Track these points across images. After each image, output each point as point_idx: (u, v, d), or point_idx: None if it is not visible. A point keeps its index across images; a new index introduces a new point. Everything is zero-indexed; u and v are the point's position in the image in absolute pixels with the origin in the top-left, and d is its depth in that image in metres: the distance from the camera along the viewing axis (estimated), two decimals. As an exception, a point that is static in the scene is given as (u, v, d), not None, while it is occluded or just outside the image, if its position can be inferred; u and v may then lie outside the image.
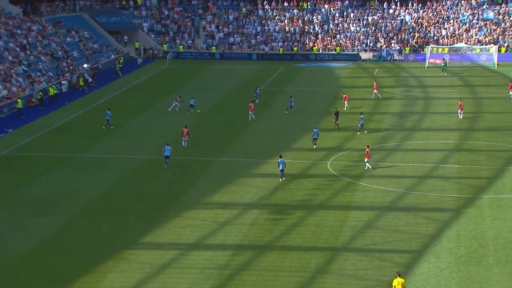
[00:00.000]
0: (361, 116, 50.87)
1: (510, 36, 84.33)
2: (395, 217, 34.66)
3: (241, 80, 73.93)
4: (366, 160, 42.09)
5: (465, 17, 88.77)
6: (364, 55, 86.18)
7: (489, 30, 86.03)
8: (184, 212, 35.73)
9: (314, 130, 47.24)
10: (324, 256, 30.61)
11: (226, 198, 37.92)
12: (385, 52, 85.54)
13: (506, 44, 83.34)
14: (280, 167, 40.19)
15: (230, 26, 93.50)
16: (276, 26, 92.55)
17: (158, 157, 45.15)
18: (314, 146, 46.81)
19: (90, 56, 78.84)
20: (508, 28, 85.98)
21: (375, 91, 62.31)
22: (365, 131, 50.55)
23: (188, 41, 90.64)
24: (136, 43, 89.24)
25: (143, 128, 53.20)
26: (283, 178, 40.19)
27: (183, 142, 47.09)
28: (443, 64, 75.56)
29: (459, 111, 54.54)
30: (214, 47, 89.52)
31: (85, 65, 73.91)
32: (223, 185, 39.79)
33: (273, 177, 41.04)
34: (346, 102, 58.22)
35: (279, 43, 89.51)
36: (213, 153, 46.20)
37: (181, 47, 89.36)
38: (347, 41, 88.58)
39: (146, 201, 37.42)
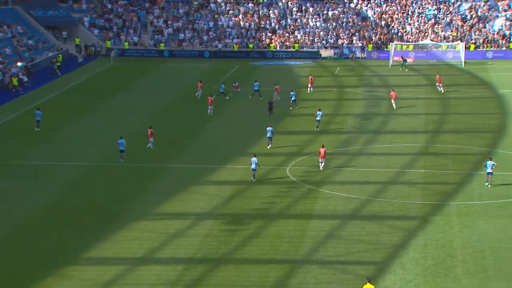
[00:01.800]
0: (319, 112, 52.06)
1: (477, 33, 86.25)
2: (359, 226, 35.03)
3: (193, 79, 73.82)
4: (323, 161, 42.75)
5: (431, 12, 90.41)
6: (324, 53, 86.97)
7: (456, 26, 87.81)
8: (131, 223, 35.45)
9: (268, 128, 47.71)
10: (284, 269, 30.73)
11: (178, 207, 37.77)
12: (346, 50, 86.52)
13: (473, 41, 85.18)
14: (252, 166, 40.75)
15: (180, 21, 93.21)
16: (230, 21, 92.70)
17: (103, 164, 44.68)
18: (269, 146, 47.39)
19: (25, 54, 77.49)
20: (475, 24, 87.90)
21: (309, 85, 64.66)
22: (316, 128, 51.61)
23: (134, 37, 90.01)
24: (76, 39, 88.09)
25: (86, 132, 52.63)
26: (253, 179, 40.95)
27: (149, 144, 47.14)
28: (402, 62, 76.98)
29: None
30: (163, 44, 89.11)
31: (19, 64, 72.49)
32: (174, 194, 39.62)
33: (228, 185, 41.04)
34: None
35: (234, 40, 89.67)
36: (163, 159, 45.97)
37: (126, 43, 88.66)
38: (306, 38, 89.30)
39: (90, 212, 37.00)
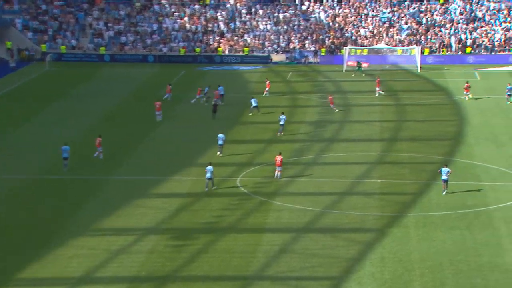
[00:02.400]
0: (282, 116, 52.85)
1: (433, 36, 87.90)
2: (313, 239, 35.18)
3: (136, 85, 73.25)
4: (279, 169, 42.99)
5: (385, 15, 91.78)
6: (275, 57, 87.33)
7: (411, 29, 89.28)
8: (70, 240, 34.88)
9: (219, 135, 47.92)
10: (235, 286, 30.63)
11: (121, 222, 37.33)
12: (299, 54, 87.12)
13: (428, 45, 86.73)
14: (207, 175, 40.81)
15: (121, 23, 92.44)
16: (175, 24, 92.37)
17: (41, 177, 43.92)
18: (220, 153, 47.57)
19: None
20: (431, 28, 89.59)
21: (267, 88, 66.08)
22: (279, 134, 52.42)
23: (72, 41, 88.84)
24: (7, 42, 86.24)
25: (19, 143, 51.68)
26: (207, 189, 41.19)
27: (97, 153, 46.73)
28: (357, 67, 77.88)
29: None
30: (103, 48, 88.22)
31: None
32: (117, 208, 39.17)
33: (175, 197, 40.79)
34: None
35: (179, 43, 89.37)
36: (106, 169, 45.45)
37: (63, 47, 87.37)
38: (256, 41, 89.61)
39: (24, 229, 36.27)
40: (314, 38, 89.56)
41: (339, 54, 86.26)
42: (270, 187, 42.44)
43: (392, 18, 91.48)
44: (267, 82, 66.91)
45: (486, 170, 45.10)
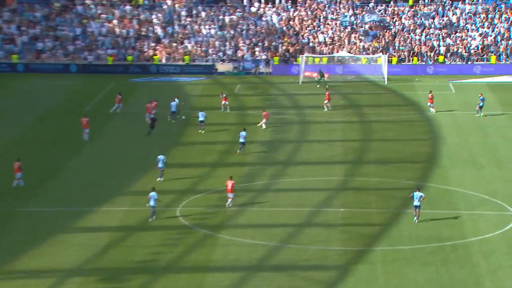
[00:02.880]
0: (243, 133, 54.19)
1: (402, 43, 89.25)
2: (266, 279, 35.14)
3: (56, 100, 72.56)
4: (231, 196, 43.24)
5: (346, 19, 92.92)
6: (221, 67, 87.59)
7: (376, 35, 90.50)
8: (-23, 284, 34.20)
9: (159, 157, 48.41)
10: (175, 336, 30.36)
11: (38, 262, 36.76)
12: (248, 63, 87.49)
13: (397, 54, 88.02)
14: (151, 203, 41.24)
15: (37, 26, 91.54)
16: (103, 28, 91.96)
17: None
18: (161, 178, 48.01)
19: None
20: (399, 33, 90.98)
21: (223, 102, 67.28)
22: (239, 152, 53.54)
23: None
24: None
25: None
26: (151, 218, 41.48)
27: (16, 181, 46.43)
28: (319, 77, 78.52)
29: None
30: (16, 56, 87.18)
31: None
32: (34, 245, 38.58)
33: (104, 232, 40.40)
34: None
35: (108, 51, 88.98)
36: (19, 199, 44.79)
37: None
38: (199, 48, 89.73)
39: None
40: (265, 44, 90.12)
41: (294, 63, 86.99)
42: (215, 218, 42.32)
43: (355, 22, 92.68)
44: (223, 95, 67.96)
45: (464, 197, 45.75)
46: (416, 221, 41.29)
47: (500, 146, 56.74)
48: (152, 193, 41.65)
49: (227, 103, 67.52)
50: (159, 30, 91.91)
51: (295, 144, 58.05)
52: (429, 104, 67.13)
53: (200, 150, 56.07)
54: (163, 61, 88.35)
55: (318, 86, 77.38)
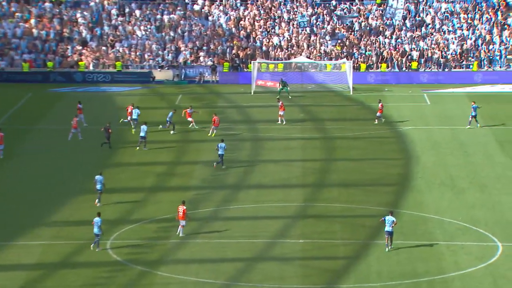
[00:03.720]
0: (221, 144, 55.75)
1: (369, 46, 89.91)
2: (214, 323, 34.98)
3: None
4: (183, 223, 43.45)
5: (305, 19, 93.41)
6: (159, 75, 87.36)
7: (340, 37, 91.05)
8: None
9: (97, 177, 48.64)
10: None
11: None
12: (191, 70, 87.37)
13: (362, 59, 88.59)
14: (95, 231, 41.43)
15: None
16: (17, 29, 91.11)
17: None
18: (98, 202, 48.22)
19: None
20: (365, 35, 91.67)
21: (189, 119, 66.98)
22: (215, 165, 55.05)
23: None
24: None
25: None
26: (98, 249, 41.70)
27: None
28: (280, 87, 78.62)
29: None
30: None
31: None
32: None
33: (19, 270, 39.88)
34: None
35: (24, 56, 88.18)
36: None
37: None
38: (133, 53, 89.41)
39: None
40: (211, 48, 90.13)
41: (245, 70, 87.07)
42: (153, 253, 42.07)
43: (315, 23, 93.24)
44: (189, 111, 67.15)
45: (442, 225, 46.09)
46: (387, 249, 41.53)
47: (483, 167, 57.36)
48: (97, 219, 41.60)
49: (190, 120, 67.24)
50: (85, 32, 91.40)
51: (247, 164, 58.07)
52: (378, 114, 67.91)
53: (136, 172, 55.75)
54: (90, 67, 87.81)
55: (277, 97, 77.49)
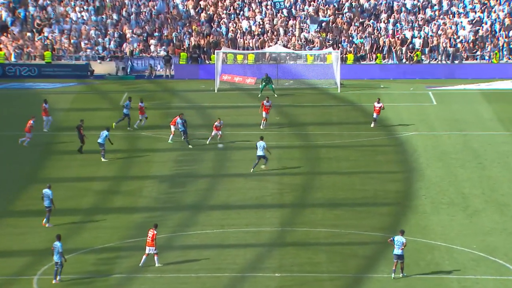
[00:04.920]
0: (260, 143, 57.63)
1: (362, 33, 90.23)
2: None
3: None
4: (151, 251, 43.67)
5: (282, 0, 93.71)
6: (100, 68, 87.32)
7: (324, 21, 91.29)
8: None
9: (45, 191, 49.20)
10: None
11: None
12: (139, 62, 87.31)
13: (351, 48, 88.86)
14: (55, 258, 41.95)
15: None
16: None
17: None
18: (47, 222, 48.94)
19: None
20: (356, 18, 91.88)
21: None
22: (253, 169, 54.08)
23: None
24: None
25: None
26: (56, 280, 42.07)
27: None
28: (263, 84, 78.79)
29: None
30: None
31: None
32: None
33: None
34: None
35: None
36: None
37: None
38: (66, 41, 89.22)
39: None
40: (165, 35, 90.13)
41: (207, 62, 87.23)
42: (93, 290, 42.16)
43: (294, 3, 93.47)
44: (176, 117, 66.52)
45: (451, 255, 46.21)
46: (393, 275, 42.01)
47: (502, 182, 57.69)
48: (56, 244, 41.92)
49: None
50: (4, 14, 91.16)
51: (210, 180, 58.13)
52: (374, 116, 68.15)
53: (71, 189, 55.60)
54: (12, 59, 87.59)
55: (259, 96, 77.65)
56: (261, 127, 68.12)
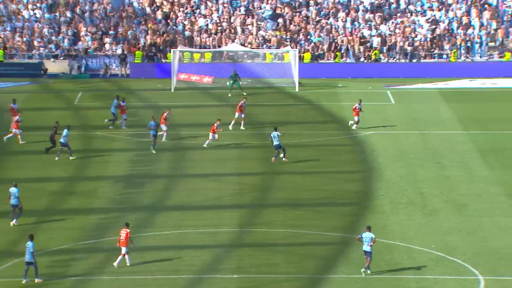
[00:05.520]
0: (274, 133, 59.28)
1: (320, 31, 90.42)
2: None
3: None
4: (122, 250, 43.73)
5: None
6: (53, 67, 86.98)
7: (283, 21, 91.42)
8: None
9: (11, 190, 49.47)
10: None
11: None
12: (94, 61, 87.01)
13: (310, 47, 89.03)
14: (27, 258, 42.10)
15: None
16: None
17: None
18: (15, 222, 49.00)
19: None
20: (314, 17, 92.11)
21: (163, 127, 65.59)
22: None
23: None
24: None
25: None
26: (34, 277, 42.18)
27: None
28: (231, 81, 78.86)
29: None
30: None
31: None
32: None
33: None
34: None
35: None
36: None
37: None
38: (18, 38, 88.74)
39: None
40: (120, 33, 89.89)
41: (163, 61, 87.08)
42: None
43: (252, 1, 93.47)
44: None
45: (410, 255, 46.38)
46: (364, 273, 42.22)
47: (461, 182, 58.11)
48: (29, 244, 42.08)
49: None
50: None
51: (166, 180, 58.13)
52: (355, 119, 68.21)
53: (25, 190, 55.01)
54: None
55: (230, 95, 77.70)
56: (241, 127, 68.44)
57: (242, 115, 68.54)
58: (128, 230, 44.31)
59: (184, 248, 47.50)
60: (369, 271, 42.82)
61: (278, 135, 60.08)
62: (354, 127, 68.10)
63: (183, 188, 56.87)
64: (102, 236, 48.60)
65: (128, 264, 44.02)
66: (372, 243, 42.65)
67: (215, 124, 63.72)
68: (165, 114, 65.54)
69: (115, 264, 43.96)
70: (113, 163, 61.03)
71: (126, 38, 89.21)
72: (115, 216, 51.62)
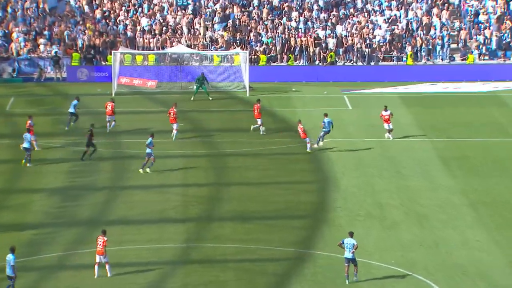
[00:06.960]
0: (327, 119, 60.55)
1: (271, 32, 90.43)
2: None
3: None
4: (102, 259, 43.82)
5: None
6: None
7: (232, 20, 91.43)
8: None
9: None
10: None
11: None
12: (27, 64, 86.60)
13: (262, 48, 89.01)
14: (8, 272, 42.45)
15: None
16: None
17: None
18: None
19: None
20: (263, 17, 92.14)
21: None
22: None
23: None
24: None
25: None
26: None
27: None
28: (197, 85, 78.75)
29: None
30: None
31: None
32: None
33: None
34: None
35: None
36: None
37: None
38: None
39: None
40: (55, 34, 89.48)
41: (103, 63, 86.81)
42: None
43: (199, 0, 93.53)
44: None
45: (368, 270, 46.08)
46: (348, 281, 42.74)
47: (422, 192, 58.29)
48: (9, 256, 42.18)
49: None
50: None
51: (107, 192, 57.88)
52: (386, 126, 67.89)
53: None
54: None
55: (192, 99, 77.68)
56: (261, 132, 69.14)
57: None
58: (105, 238, 44.26)
59: (126, 265, 47.22)
60: (355, 278, 43.25)
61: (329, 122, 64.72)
62: (388, 136, 67.82)
63: (123, 200, 56.64)
64: (36, 253, 48.17)
65: (109, 275, 44.03)
66: (354, 250, 42.59)
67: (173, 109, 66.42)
68: (173, 109, 66.65)
69: (95, 276, 44.18)
70: (47, 174, 60.58)
71: (62, 38, 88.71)
72: (49, 232, 51.31)
